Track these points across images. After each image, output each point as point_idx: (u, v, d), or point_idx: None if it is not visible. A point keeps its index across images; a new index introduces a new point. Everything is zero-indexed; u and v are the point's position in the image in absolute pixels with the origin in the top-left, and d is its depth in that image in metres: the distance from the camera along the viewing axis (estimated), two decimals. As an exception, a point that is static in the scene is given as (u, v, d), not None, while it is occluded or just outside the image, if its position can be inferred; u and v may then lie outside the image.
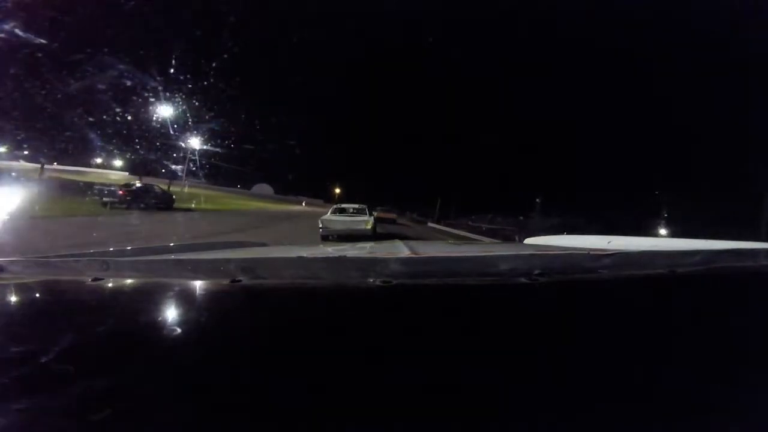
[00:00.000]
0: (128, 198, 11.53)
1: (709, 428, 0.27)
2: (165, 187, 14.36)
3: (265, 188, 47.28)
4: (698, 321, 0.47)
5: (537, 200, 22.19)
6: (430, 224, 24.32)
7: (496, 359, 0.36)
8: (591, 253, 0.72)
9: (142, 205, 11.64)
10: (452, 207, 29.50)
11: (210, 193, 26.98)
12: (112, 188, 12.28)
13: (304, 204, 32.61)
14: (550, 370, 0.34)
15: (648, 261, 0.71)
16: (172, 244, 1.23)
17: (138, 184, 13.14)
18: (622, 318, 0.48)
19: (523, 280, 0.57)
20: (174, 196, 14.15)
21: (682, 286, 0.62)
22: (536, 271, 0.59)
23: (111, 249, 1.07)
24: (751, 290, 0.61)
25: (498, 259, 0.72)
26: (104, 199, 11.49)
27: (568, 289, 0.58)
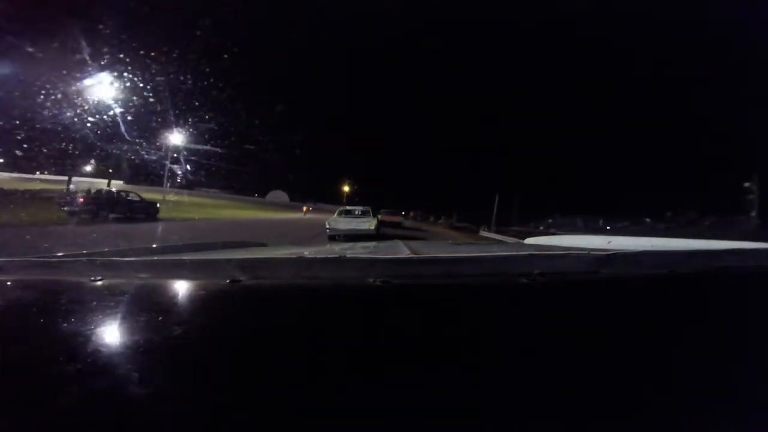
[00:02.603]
0: (90, 206, 9.87)
1: (709, 428, 0.28)
2: (135, 194, 12.32)
3: (280, 195, 44.06)
4: (698, 321, 0.47)
5: (749, 186, 14.07)
6: (485, 233, 17.02)
7: (496, 359, 0.36)
8: (591, 253, 0.73)
9: (112, 215, 10.07)
10: (513, 208, 21.69)
11: (212, 202, 25.24)
12: (76, 195, 10.59)
13: (305, 211, 24.86)
14: (550, 369, 0.34)
15: (648, 261, 0.71)
16: (172, 244, 1.21)
17: (111, 191, 11.82)
18: (622, 318, 0.48)
19: (523, 280, 0.57)
20: (158, 205, 12.38)
21: (682, 286, 0.62)
22: (536, 271, 0.59)
23: (111, 249, 1.05)
24: (751, 290, 0.61)
25: (498, 259, 0.74)
26: (64, 208, 9.85)
27: (568, 289, 0.58)
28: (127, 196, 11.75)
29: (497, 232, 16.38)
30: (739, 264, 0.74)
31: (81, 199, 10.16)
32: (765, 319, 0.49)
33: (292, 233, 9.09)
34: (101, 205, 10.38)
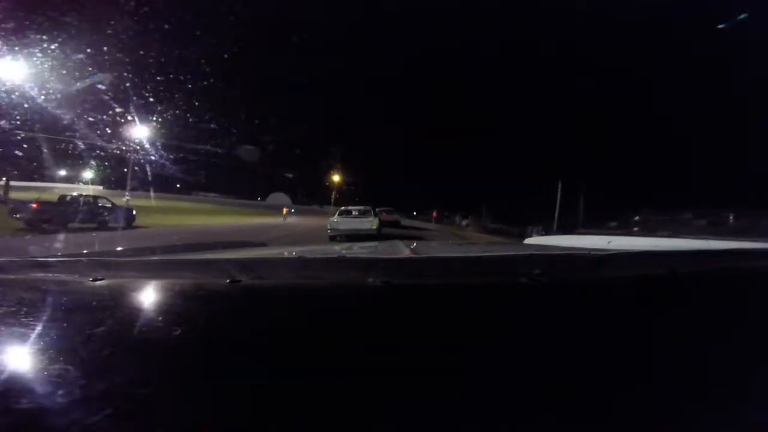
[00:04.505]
0: (48, 214, 8.65)
1: (709, 428, 0.28)
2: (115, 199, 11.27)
3: (281, 198, 39.83)
4: (698, 321, 0.47)
5: None
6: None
7: (497, 360, 0.36)
8: (591, 253, 0.73)
9: (71, 223, 8.86)
10: (577, 203, 14.01)
11: (201, 206, 23.26)
12: (28, 202, 9.14)
13: (285, 214, 19.18)
14: (551, 370, 0.34)
15: (648, 261, 0.71)
16: (171, 245, 1.18)
17: (75, 195, 10.41)
18: (623, 318, 0.48)
19: (523, 280, 0.57)
20: (134, 211, 11.30)
21: (682, 286, 0.62)
22: (536, 271, 0.59)
23: (111, 249, 1.02)
24: (751, 290, 0.61)
25: (498, 259, 0.74)
26: (16, 216, 8.70)
27: (568, 289, 0.58)
28: (96, 201, 10.67)
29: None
30: (739, 264, 0.74)
31: (34, 206, 8.84)
32: (765, 320, 0.49)
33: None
34: (62, 212, 9.21)
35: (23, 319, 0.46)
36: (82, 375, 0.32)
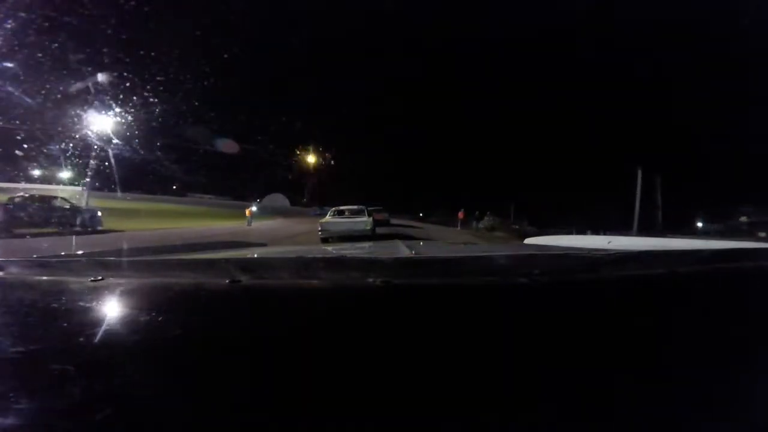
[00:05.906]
0: None
1: (709, 428, 0.28)
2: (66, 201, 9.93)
3: (279, 199, 34.97)
4: (698, 321, 0.47)
5: None
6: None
7: (496, 359, 0.36)
8: (591, 253, 0.73)
9: (19, 228, 7.98)
10: (657, 201, 10.56)
11: (183, 209, 21.18)
12: None
13: (249, 216, 14.88)
14: (551, 370, 0.34)
15: (648, 261, 0.72)
16: (170, 245, 1.13)
17: (25, 195, 9.45)
18: (623, 318, 0.48)
19: (523, 280, 0.57)
20: (99, 213, 10.17)
21: (682, 286, 0.62)
22: (536, 271, 0.59)
23: (111, 250, 0.97)
24: (751, 290, 0.61)
25: (498, 259, 0.74)
26: None
27: (568, 290, 0.58)
28: (52, 202, 9.61)
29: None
30: (739, 264, 0.74)
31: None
32: (765, 319, 0.49)
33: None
34: (9, 215, 8.39)
35: (23, 319, 0.46)
36: (82, 375, 0.32)
